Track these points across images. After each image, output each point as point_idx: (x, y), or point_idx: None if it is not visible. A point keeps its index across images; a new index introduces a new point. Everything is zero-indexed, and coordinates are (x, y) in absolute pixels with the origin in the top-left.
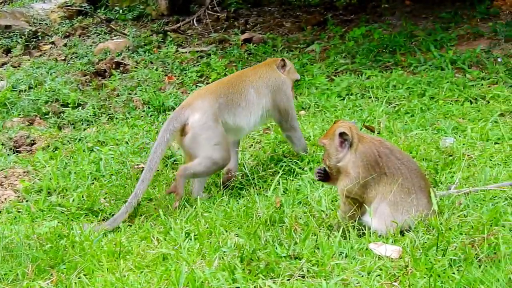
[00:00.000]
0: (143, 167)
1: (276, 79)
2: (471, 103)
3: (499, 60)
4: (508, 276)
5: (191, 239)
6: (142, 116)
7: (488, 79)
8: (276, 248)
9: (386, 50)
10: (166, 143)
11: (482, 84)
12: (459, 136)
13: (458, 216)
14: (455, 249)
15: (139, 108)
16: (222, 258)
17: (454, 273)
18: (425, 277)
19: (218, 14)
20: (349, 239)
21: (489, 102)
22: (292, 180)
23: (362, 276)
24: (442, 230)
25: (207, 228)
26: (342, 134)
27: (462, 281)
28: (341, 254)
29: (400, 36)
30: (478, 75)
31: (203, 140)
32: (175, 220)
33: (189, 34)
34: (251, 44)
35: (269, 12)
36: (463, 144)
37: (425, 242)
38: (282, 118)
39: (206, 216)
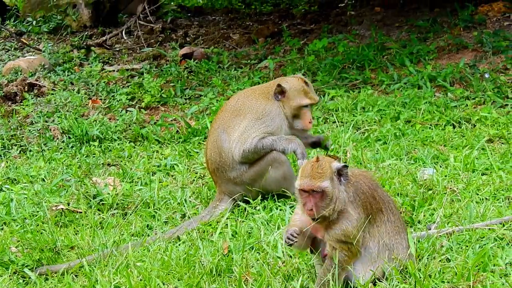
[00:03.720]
0: (62, 208)
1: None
2: (454, 127)
3: (485, 76)
4: None
5: None
6: (61, 148)
7: (474, 98)
8: None
9: (353, 66)
10: None
11: (467, 105)
12: (440, 167)
13: (440, 260)
14: None
15: (57, 138)
16: None
17: None
18: None
19: (152, 25)
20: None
21: (475, 125)
22: (243, 221)
23: None
24: (420, 277)
25: (141, 280)
26: (342, 169)
27: None
28: None
29: (369, 48)
30: (462, 94)
31: None
32: (102, 272)
33: (117, 49)
34: (192, 60)
35: (213, 23)
36: (445, 176)
37: None
38: None
39: (140, 266)
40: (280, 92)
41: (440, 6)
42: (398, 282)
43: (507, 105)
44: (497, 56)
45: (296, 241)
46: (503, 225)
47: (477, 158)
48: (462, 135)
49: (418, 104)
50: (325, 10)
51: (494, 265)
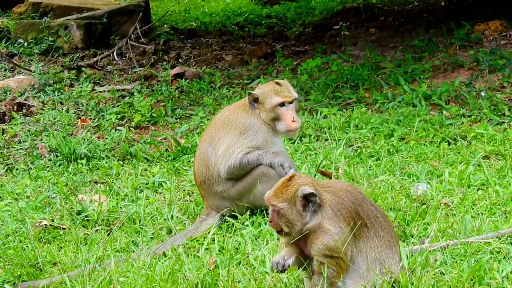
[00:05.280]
0: (46, 224)
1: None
2: (449, 144)
3: (482, 94)
4: None
5: None
6: (48, 166)
7: (469, 116)
8: None
9: (346, 85)
10: None
11: (463, 122)
12: (435, 182)
13: (433, 274)
14: None
15: (44, 157)
16: None
17: None
18: None
19: (144, 46)
20: None
21: (470, 142)
22: (230, 237)
23: None
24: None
25: None
26: (308, 196)
27: None
28: None
29: (363, 68)
30: (457, 112)
31: None
32: (84, 287)
33: (109, 70)
34: (183, 80)
35: (206, 44)
36: (439, 191)
37: None
38: None
39: (123, 281)
40: (254, 99)
41: (436, 27)
42: None
43: (503, 122)
44: (493, 74)
45: (285, 268)
46: (500, 239)
47: (472, 174)
48: (457, 152)
49: (412, 121)
50: (319, 32)
51: (490, 279)
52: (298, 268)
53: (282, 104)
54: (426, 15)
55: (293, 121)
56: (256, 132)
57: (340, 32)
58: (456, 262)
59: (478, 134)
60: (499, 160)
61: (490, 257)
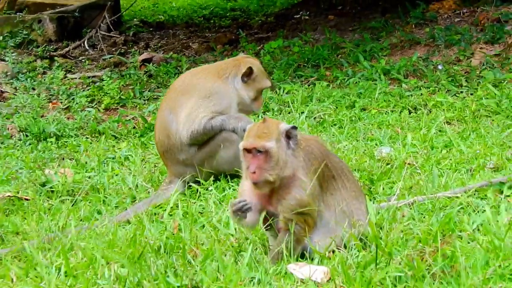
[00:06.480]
0: (10, 196)
1: None
2: (410, 112)
3: (439, 67)
4: None
5: (61, 275)
6: (17, 146)
7: (428, 88)
8: (168, 277)
9: (308, 65)
10: None
11: (422, 94)
12: (398, 145)
13: (401, 231)
14: (399, 264)
15: (14, 137)
16: None
17: None
18: None
19: (115, 37)
20: (263, 262)
21: (431, 111)
22: (194, 202)
23: None
24: (382, 244)
25: (85, 261)
26: (290, 131)
27: None
28: (252, 280)
29: (323, 48)
30: (416, 84)
31: None
32: (44, 254)
33: (80, 59)
34: (151, 64)
35: (173, 35)
36: (403, 153)
37: (360, 261)
38: None
39: (84, 246)
40: (248, 74)
41: (392, 11)
42: (358, 251)
43: (461, 92)
44: (449, 49)
45: (247, 210)
46: (467, 194)
47: (435, 138)
48: (418, 119)
49: (373, 94)
50: (280, 21)
51: (461, 231)
52: (263, 225)
53: (266, 88)
54: (381, 2)
55: (261, 103)
56: (222, 98)
57: (301, 20)
58: (424, 217)
59: (438, 102)
60: (460, 125)
61: (459, 211)
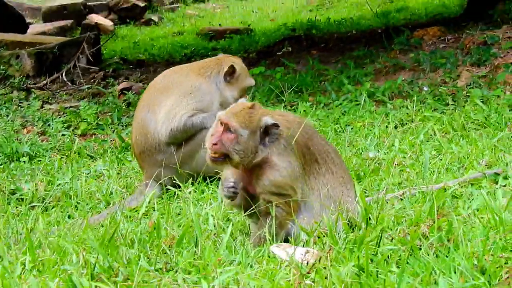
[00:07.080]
0: None
1: None
2: (396, 127)
3: (425, 89)
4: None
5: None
6: None
7: (414, 107)
8: (141, 261)
9: (290, 91)
10: None
11: (408, 110)
12: (385, 153)
13: (393, 216)
14: (391, 240)
15: None
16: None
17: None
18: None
19: (95, 71)
20: (244, 244)
21: (418, 124)
22: (171, 204)
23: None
24: (372, 224)
25: (54, 257)
26: (270, 127)
27: (405, 274)
28: (232, 262)
29: (306, 75)
30: (402, 104)
31: None
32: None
33: (58, 91)
34: (130, 92)
35: (154, 71)
36: (392, 154)
37: (349, 240)
38: None
39: (53, 241)
40: (231, 73)
41: (376, 42)
42: (346, 234)
43: (448, 110)
44: (435, 72)
45: (237, 192)
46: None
47: (423, 143)
48: (405, 131)
49: (357, 112)
50: (263, 56)
51: (457, 215)
52: (244, 212)
53: (250, 87)
54: (364, 40)
55: None
56: (203, 95)
57: (284, 54)
58: (414, 208)
59: (425, 117)
60: (449, 135)
61: (453, 200)
